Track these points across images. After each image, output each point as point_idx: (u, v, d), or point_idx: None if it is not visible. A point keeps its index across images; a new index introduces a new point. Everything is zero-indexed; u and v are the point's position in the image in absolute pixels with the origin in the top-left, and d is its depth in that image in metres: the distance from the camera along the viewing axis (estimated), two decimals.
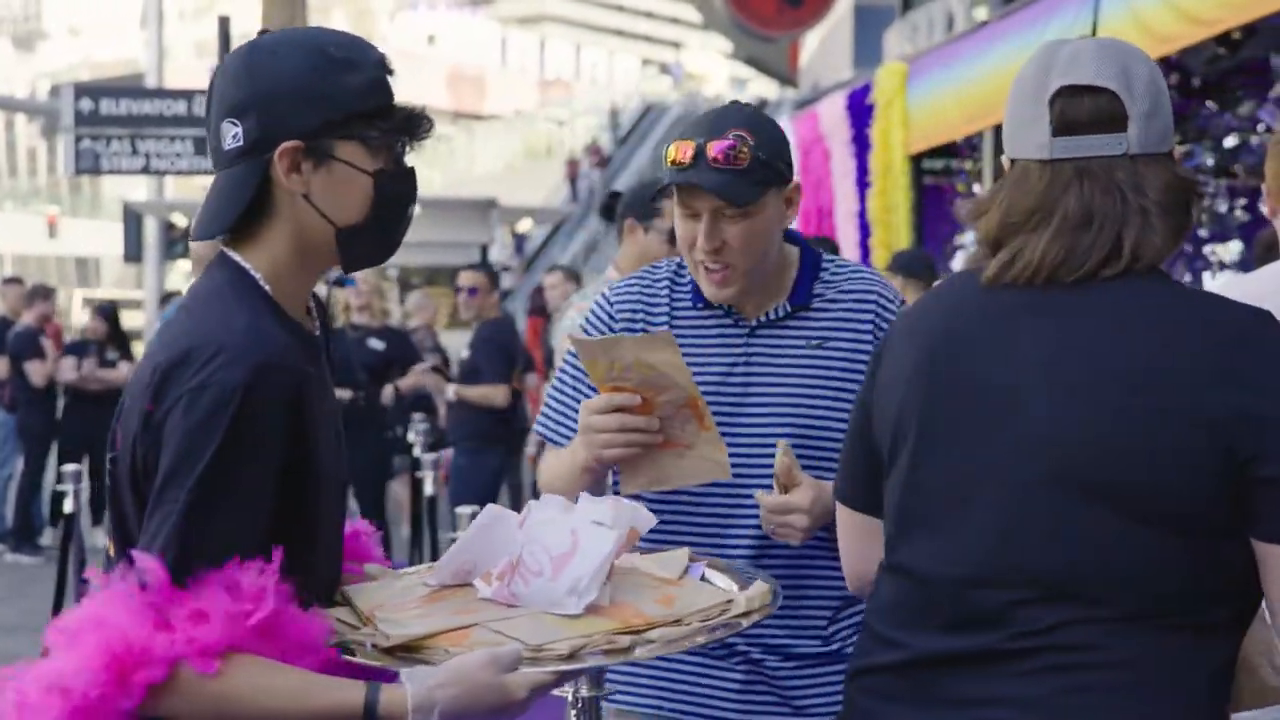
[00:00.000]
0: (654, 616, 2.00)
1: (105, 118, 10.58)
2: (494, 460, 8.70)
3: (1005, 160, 2.05)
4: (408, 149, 2.07)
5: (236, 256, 2.02)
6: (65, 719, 1.80)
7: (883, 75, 9.25)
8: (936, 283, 6.97)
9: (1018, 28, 7.36)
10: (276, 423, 1.89)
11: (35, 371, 11.46)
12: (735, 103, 2.72)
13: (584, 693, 2.53)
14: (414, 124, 2.05)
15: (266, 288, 2.01)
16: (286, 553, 1.88)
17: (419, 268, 16.19)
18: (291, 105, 1.97)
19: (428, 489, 7.68)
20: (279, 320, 1.99)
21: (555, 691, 2.70)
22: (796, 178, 2.69)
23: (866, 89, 9.50)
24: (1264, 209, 3.20)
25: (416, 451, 8.58)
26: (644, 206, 4.64)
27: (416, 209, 2.13)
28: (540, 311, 13.86)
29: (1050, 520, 1.85)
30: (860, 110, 9.52)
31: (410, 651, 1.93)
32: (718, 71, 73.57)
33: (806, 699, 2.69)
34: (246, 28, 29.14)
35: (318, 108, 1.98)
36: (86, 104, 10.47)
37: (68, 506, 6.35)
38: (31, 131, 66.11)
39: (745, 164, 2.56)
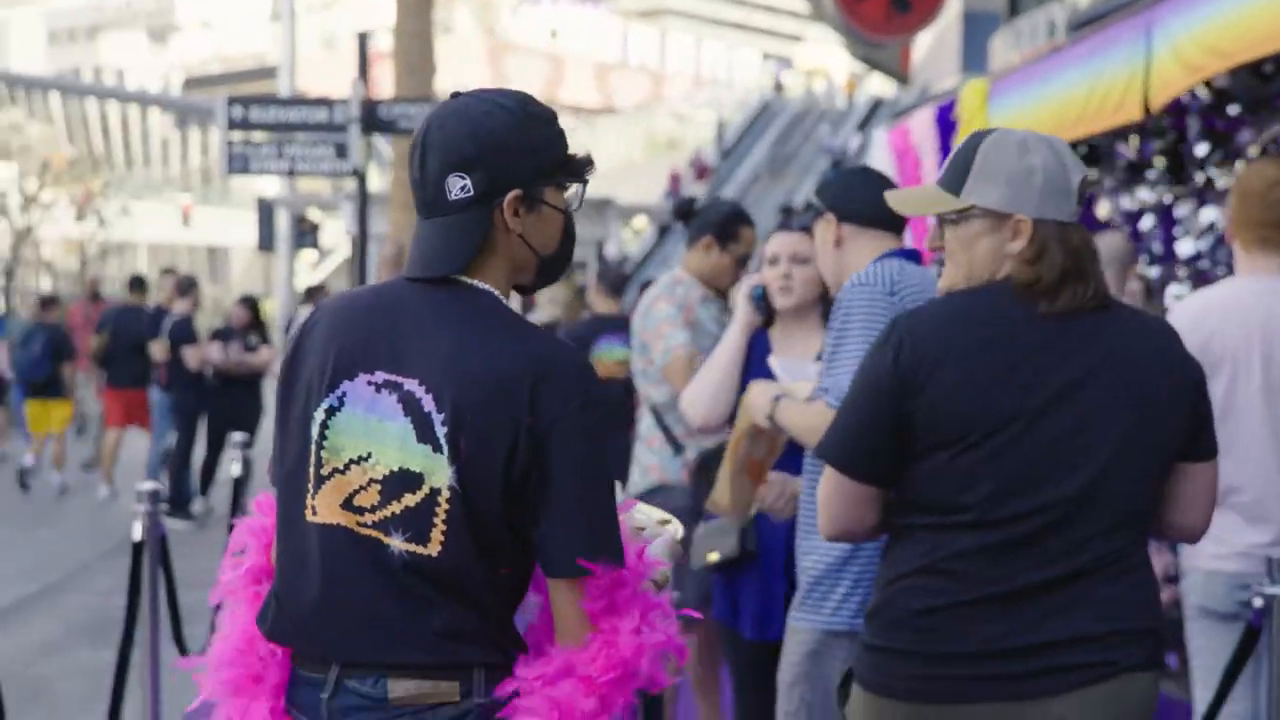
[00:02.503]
0: None
1: (255, 124, 11.58)
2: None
3: (1024, 218, 2.67)
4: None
5: (485, 286, 2.31)
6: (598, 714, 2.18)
7: (966, 92, 9.88)
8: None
9: (1085, 53, 7.99)
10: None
11: (190, 356, 12.20)
12: None
13: None
14: (589, 167, 2.38)
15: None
16: None
17: None
18: (512, 159, 2.27)
19: None
20: None
21: None
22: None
23: (953, 104, 10.13)
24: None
25: None
26: (723, 228, 5.23)
27: None
28: None
29: (1120, 476, 2.63)
30: (947, 124, 10.15)
31: None
32: (839, 66, 73.51)
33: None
34: (373, 22, 29.82)
35: (531, 160, 2.29)
36: (239, 110, 11.45)
37: (235, 471, 7.02)
38: (165, 123, 67.77)
39: None
